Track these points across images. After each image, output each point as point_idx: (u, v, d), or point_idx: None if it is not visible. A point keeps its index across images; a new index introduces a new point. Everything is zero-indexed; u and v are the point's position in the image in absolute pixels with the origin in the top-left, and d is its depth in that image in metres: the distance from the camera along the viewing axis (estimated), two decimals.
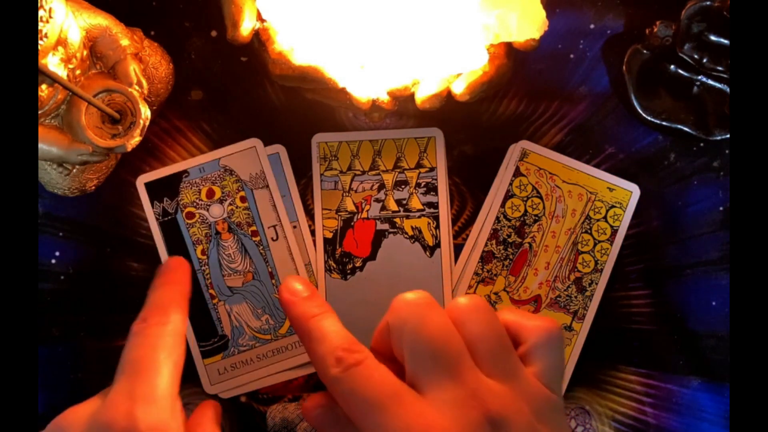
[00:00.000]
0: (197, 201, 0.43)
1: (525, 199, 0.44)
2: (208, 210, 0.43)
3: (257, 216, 0.43)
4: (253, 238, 0.43)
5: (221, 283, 0.43)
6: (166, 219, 0.43)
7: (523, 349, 0.30)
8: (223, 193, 0.44)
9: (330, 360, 0.29)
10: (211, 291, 0.43)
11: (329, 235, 0.44)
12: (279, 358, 0.43)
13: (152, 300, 0.35)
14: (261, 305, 0.43)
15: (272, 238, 0.43)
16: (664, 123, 0.43)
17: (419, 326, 0.29)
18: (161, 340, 0.32)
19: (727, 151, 0.44)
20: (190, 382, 0.43)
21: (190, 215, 0.43)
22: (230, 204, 0.44)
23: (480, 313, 0.30)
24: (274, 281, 0.43)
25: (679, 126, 0.43)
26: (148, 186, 0.43)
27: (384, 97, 0.38)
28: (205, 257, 0.43)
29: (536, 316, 0.32)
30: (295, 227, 0.44)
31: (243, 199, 0.44)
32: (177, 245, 0.43)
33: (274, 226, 0.44)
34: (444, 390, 0.27)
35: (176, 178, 0.43)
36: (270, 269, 0.43)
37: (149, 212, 0.43)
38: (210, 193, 0.44)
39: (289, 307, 0.32)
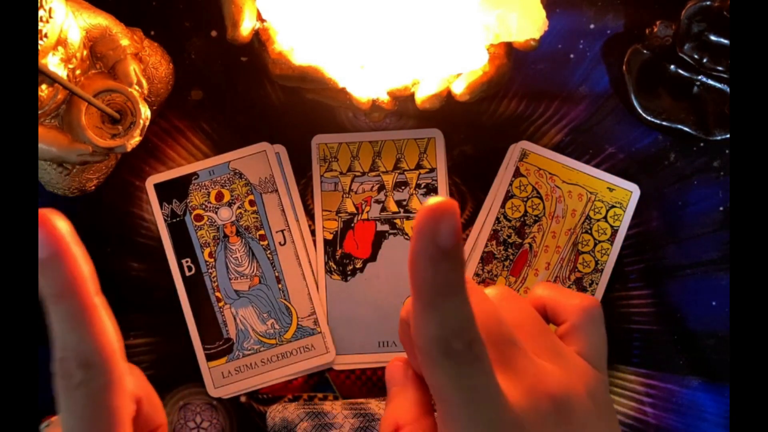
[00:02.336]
0: (206, 203, 0.43)
1: (525, 199, 0.44)
2: (216, 213, 0.43)
3: (265, 220, 0.43)
4: (261, 242, 0.43)
5: (228, 287, 0.43)
6: (174, 220, 0.43)
7: (564, 328, 0.30)
8: (232, 196, 0.44)
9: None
10: (217, 294, 0.43)
11: (329, 237, 0.44)
12: (284, 362, 0.43)
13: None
14: (267, 309, 0.43)
15: (280, 243, 0.43)
16: (664, 123, 0.43)
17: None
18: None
19: (727, 151, 0.44)
20: (193, 384, 0.43)
21: (199, 217, 0.43)
22: (239, 207, 0.44)
23: (510, 301, 0.29)
24: (280, 286, 0.43)
25: (679, 126, 0.43)
26: (158, 187, 0.43)
27: (384, 97, 0.38)
28: (212, 260, 0.43)
29: (574, 294, 0.31)
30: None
31: (252, 203, 0.44)
32: (185, 247, 0.43)
33: (282, 231, 0.44)
34: (507, 382, 0.25)
35: (186, 180, 0.43)
36: (277, 274, 0.43)
37: (158, 213, 0.43)
38: (219, 196, 0.44)
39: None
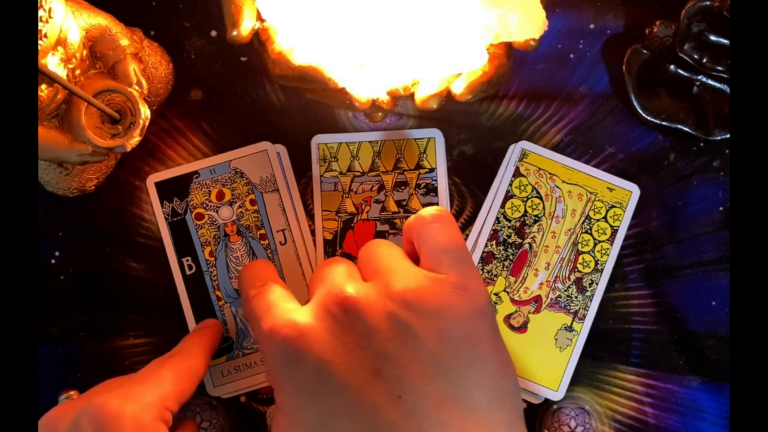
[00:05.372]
0: (207, 202, 0.43)
1: (525, 199, 0.44)
2: (217, 212, 0.43)
3: (266, 219, 0.43)
4: (262, 242, 0.43)
5: (228, 286, 0.43)
6: (175, 219, 0.43)
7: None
8: (233, 195, 0.44)
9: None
10: (217, 293, 0.43)
11: (329, 237, 0.44)
12: None
13: (182, 343, 0.39)
14: None
15: (280, 242, 0.43)
16: (664, 123, 0.43)
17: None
18: (176, 365, 0.36)
19: (727, 151, 0.44)
20: None
21: (200, 216, 0.43)
22: (240, 206, 0.44)
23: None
24: None
25: (679, 126, 0.43)
26: (158, 185, 0.43)
27: (384, 97, 0.38)
28: (212, 259, 0.43)
29: (415, 218, 0.35)
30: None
31: (253, 202, 0.44)
32: (185, 246, 0.43)
33: (282, 230, 0.44)
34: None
35: (187, 179, 0.43)
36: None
37: (159, 212, 0.43)
38: (220, 195, 0.44)
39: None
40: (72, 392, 0.39)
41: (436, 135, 0.44)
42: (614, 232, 0.43)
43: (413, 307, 0.30)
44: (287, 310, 0.32)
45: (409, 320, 0.30)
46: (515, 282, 0.43)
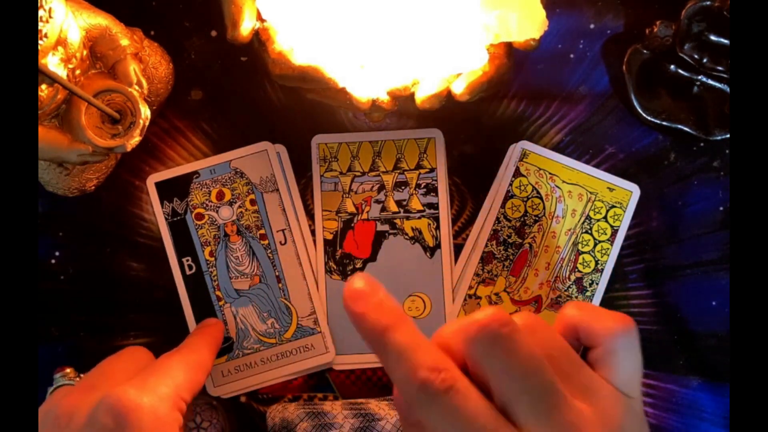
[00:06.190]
0: (207, 202, 0.43)
1: (525, 199, 0.44)
2: (217, 212, 0.43)
3: (266, 219, 0.43)
4: (262, 242, 0.43)
5: (228, 286, 0.43)
6: (175, 219, 0.43)
7: (597, 353, 0.29)
8: (233, 195, 0.44)
9: (414, 382, 0.26)
10: (217, 293, 0.43)
11: (329, 237, 0.44)
12: (283, 362, 0.43)
13: (187, 340, 0.39)
14: (267, 309, 0.43)
15: (281, 242, 0.43)
16: (664, 123, 0.43)
17: (507, 356, 0.26)
18: (186, 358, 0.37)
19: (727, 151, 0.44)
20: None
21: (200, 216, 0.43)
22: (240, 206, 0.44)
23: (539, 331, 0.28)
24: (280, 285, 0.43)
25: (679, 126, 0.43)
26: (159, 185, 0.43)
27: (384, 97, 0.38)
28: (212, 259, 0.43)
29: (607, 314, 0.29)
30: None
31: (253, 202, 0.44)
32: (185, 246, 0.43)
33: (282, 230, 0.44)
34: (543, 425, 0.25)
35: (187, 179, 0.43)
36: (277, 273, 0.43)
37: (159, 212, 0.43)
38: (220, 195, 0.44)
39: (356, 321, 0.28)
40: (68, 369, 0.39)
41: (436, 135, 0.44)
42: (614, 232, 0.43)
43: None
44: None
45: None
46: (515, 282, 0.43)
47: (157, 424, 0.32)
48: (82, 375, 0.39)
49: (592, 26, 0.44)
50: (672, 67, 0.43)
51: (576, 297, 0.43)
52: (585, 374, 0.28)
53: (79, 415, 0.33)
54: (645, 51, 0.43)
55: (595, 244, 0.43)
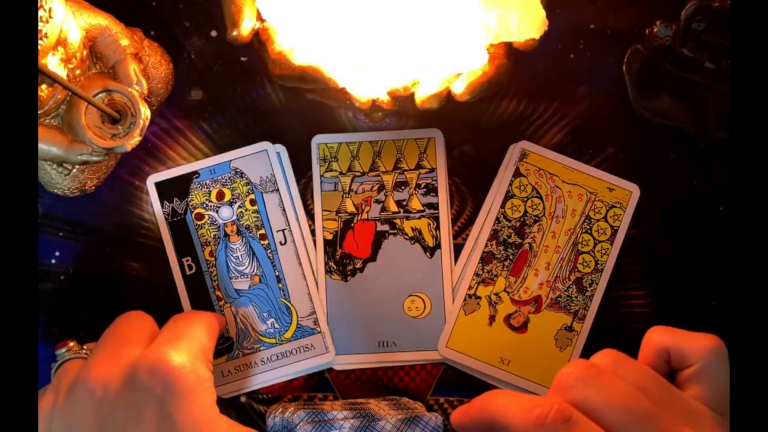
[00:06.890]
0: (207, 202, 0.43)
1: (525, 199, 0.44)
2: (217, 212, 0.43)
3: (266, 219, 0.43)
4: (262, 242, 0.43)
5: (228, 286, 0.43)
6: (175, 219, 0.43)
7: (690, 372, 0.30)
8: (233, 195, 0.44)
9: (530, 419, 0.27)
10: (217, 293, 0.43)
11: (329, 237, 0.44)
12: (283, 362, 0.43)
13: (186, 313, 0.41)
14: (267, 309, 0.43)
15: (281, 242, 0.43)
16: (664, 123, 0.43)
17: (608, 400, 0.27)
18: (202, 320, 0.38)
19: (727, 151, 0.44)
20: None
21: (200, 216, 0.43)
22: (240, 206, 0.44)
23: (626, 366, 0.29)
24: (281, 285, 0.43)
25: (679, 126, 0.43)
26: (158, 185, 0.43)
27: (384, 97, 0.38)
28: (212, 259, 0.43)
29: (695, 335, 0.31)
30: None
31: (253, 202, 0.44)
32: (185, 246, 0.43)
33: (282, 230, 0.44)
34: None
35: (186, 179, 0.44)
36: (277, 273, 0.43)
37: (159, 212, 0.43)
38: (220, 195, 0.44)
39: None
40: (71, 343, 0.38)
41: (436, 135, 0.44)
42: (614, 232, 0.43)
43: None
44: None
45: None
46: (515, 282, 0.43)
47: (198, 383, 0.33)
48: (85, 347, 0.39)
49: (592, 26, 0.44)
50: (672, 67, 0.43)
51: (576, 297, 0.43)
52: (682, 400, 0.29)
53: (114, 382, 0.33)
54: (645, 51, 0.43)
55: (595, 244, 0.43)
